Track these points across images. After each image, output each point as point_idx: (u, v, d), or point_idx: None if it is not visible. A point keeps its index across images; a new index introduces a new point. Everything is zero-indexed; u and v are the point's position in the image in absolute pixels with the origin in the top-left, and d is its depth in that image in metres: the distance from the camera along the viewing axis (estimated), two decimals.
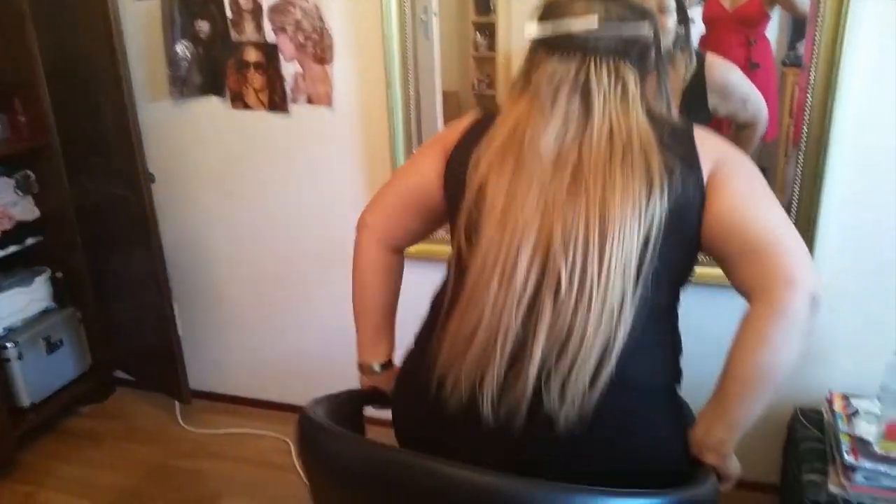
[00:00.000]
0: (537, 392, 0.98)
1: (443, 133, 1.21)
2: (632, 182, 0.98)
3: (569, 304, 0.97)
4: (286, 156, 2.13)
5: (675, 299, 1.11)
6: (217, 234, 2.33)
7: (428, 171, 1.18)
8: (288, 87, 2.03)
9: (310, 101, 2.03)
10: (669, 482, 0.98)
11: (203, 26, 2.05)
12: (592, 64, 1.02)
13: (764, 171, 1.67)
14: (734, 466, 1.09)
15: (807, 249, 1.03)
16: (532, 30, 1.07)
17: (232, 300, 2.41)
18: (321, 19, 1.92)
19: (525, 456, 1.01)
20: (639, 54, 1.05)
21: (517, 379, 0.99)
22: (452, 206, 1.13)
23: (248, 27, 1.99)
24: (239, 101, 2.10)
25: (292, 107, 2.05)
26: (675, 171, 0.99)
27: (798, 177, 1.66)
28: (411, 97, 1.89)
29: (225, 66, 2.07)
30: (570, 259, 0.97)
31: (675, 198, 0.99)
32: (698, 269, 1.66)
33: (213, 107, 2.14)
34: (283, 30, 1.96)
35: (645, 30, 1.04)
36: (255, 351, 2.45)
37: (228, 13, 2.00)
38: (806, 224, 1.68)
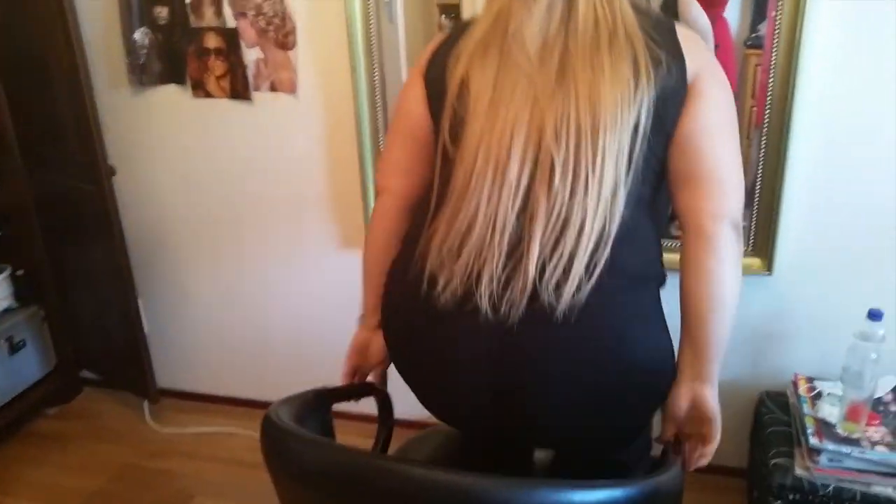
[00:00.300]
0: (535, 283, 0.97)
1: (417, 62, 1.18)
2: (620, 69, 0.97)
3: (564, 194, 0.96)
4: (250, 144, 2.07)
5: (658, 194, 1.09)
6: (181, 227, 2.27)
7: (415, 107, 1.15)
8: (250, 73, 1.97)
9: (273, 88, 1.97)
10: (653, 388, 1.06)
11: (161, 12, 1.99)
12: None
13: None
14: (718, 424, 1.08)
15: (742, 187, 1.06)
16: None
17: (198, 294, 2.35)
18: (283, 3, 1.86)
19: (521, 346, 1.00)
20: None
21: (515, 272, 0.98)
22: (436, 110, 1.10)
23: (208, 12, 1.93)
24: (200, 88, 2.04)
25: (255, 94, 2.00)
26: (662, 60, 0.99)
27: (761, 158, 1.64)
28: (376, 83, 1.84)
29: (185, 52, 2.01)
30: (563, 149, 0.96)
31: (662, 86, 0.99)
32: None
33: (173, 95, 2.08)
34: (244, 14, 1.91)
35: None
36: (224, 347, 2.39)
37: None
38: (769, 206, 1.66)
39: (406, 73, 1.85)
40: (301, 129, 2.00)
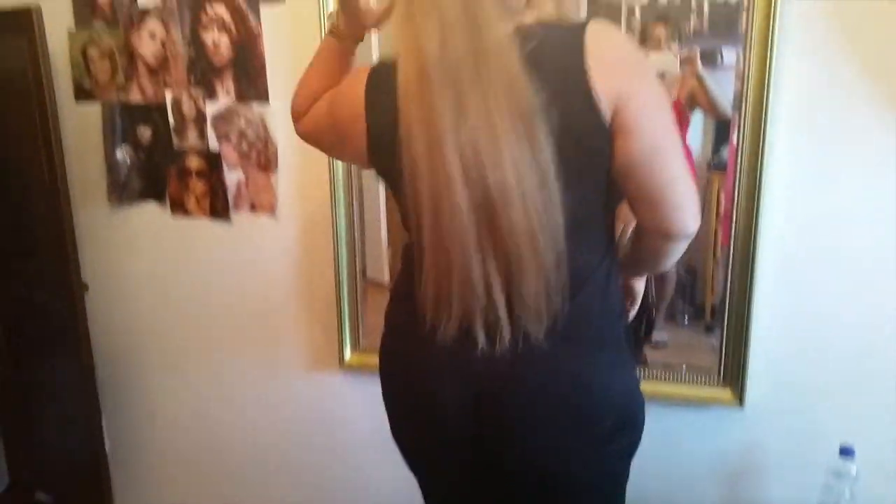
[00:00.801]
0: (511, 312, 1.03)
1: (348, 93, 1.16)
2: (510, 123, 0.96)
3: (508, 224, 0.97)
4: (226, 264, 2.05)
5: (602, 192, 1.07)
6: (150, 345, 2.21)
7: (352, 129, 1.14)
8: (230, 194, 1.97)
9: (252, 208, 1.97)
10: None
11: (145, 132, 2.01)
12: None
13: (693, 272, 1.69)
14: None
15: (695, 196, 1.07)
16: None
17: (164, 414, 2.26)
18: (266, 128, 1.89)
19: (514, 371, 1.08)
20: None
21: (493, 306, 1.03)
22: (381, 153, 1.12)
23: (191, 135, 1.95)
24: (179, 207, 2.03)
25: (234, 214, 1.99)
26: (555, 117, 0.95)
27: (729, 281, 1.62)
28: (355, 207, 1.85)
29: (166, 172, 2.02)
30: (490, 181, 0.96)
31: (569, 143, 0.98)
32: (665, 387, 1.61)
33: (151, 213, 2.07)
34: (227, 138, 1.92)
35: None
36: (189, 468, 2.29)
37: (171, 120, 1.96)
38: (738, 332, 1.63)
39: (384, 197, 1.86)
40: (279, 250, 1.99)
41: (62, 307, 2.07)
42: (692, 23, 1.56)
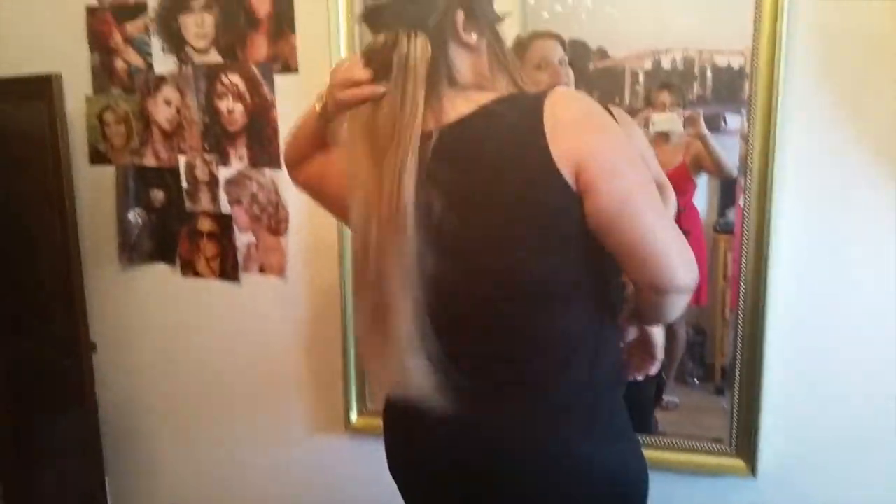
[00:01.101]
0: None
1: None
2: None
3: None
4: (234, 325, 2.06)
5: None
6: (156, 404, 2.21)
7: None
8: (240, 256, 2.00)
9: (262, 270, 1.99)
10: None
11: (158, 195, 2.04)
12: (404, 38, 1.01)
13: (703, 332, 1.69)
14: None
15: (682, 249, 1.01)
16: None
17: (168, 474, 2.25)
18: (277, 193, 1.92)
19: (494, 442, 1.08)
20: (440, 17, 1.02)
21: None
22: None
23: (204, 198, 1.99)
24: (189, 268, 2.06)
25: (244, 276, 2.01)
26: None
27: (739, 343, 1.61)
28: None
29: (177, 234, 2.04)
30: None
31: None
32: (675, 456, 1.60)
33: (161, 274, 2.10)
34: (239, 201, 1.96)
35: None
36: None
37: (184, 184, 1.99)
38: (749, 398, 1.61)
39: None
40: (287, 312, 2.00)
41: (70, 366, 2.08)
42: (695, 89, 1.60)
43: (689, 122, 1.61)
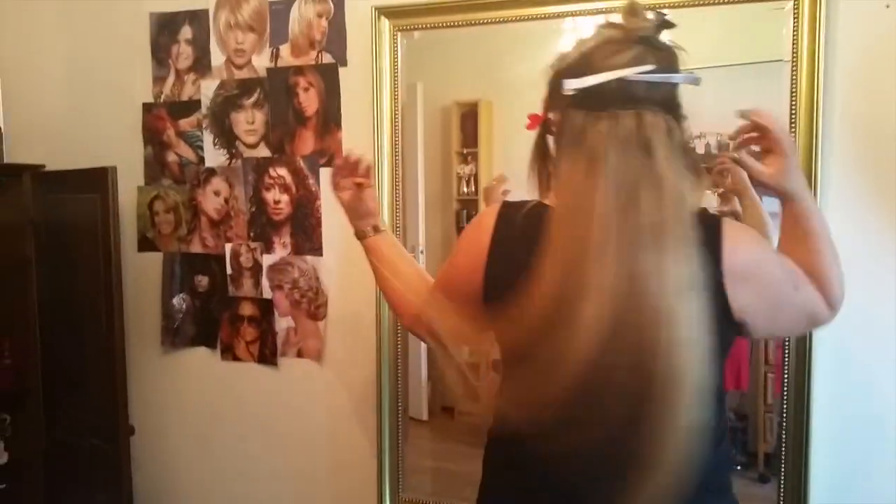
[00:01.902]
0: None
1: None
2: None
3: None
4: (271, 410, 2.09)
5: None
6: (191, 489, 2.22)
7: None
8: (279, 340, 2.04)
9: (300, 354, 2.04)
10: None
11: (202, 281, 2.11)
12: (649, 117, 0.95)
13: (745, 418, 1.69)
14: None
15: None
16: (573, 83, 0.98)
17: None
18: (318, 279, 1.98)
19: None
20: (678, 105, 1.00)
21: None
22: None
23: (247, 283, 2.06)
24: (229, 352, 2.11)
25: (281, 360, 2.05)
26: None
27: (784, 427, 1.61)
28: (399, 358, 1.90)
29: (219, 318, 2.10)
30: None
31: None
32: None
33: (201, 358, 2.15)
34: (280, 287, 2.02)
35: (693, 79, 1.00)
36: None
37: (229, 269, 2.07)
38: (796, 479, 1.60)
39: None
40: (323, 397, 2.03)
41: (106, 449, 2.10)
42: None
43: (724, 198, 1.62)
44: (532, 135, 1.10)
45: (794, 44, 1.54)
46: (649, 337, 0.93)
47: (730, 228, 1.01)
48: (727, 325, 1.01)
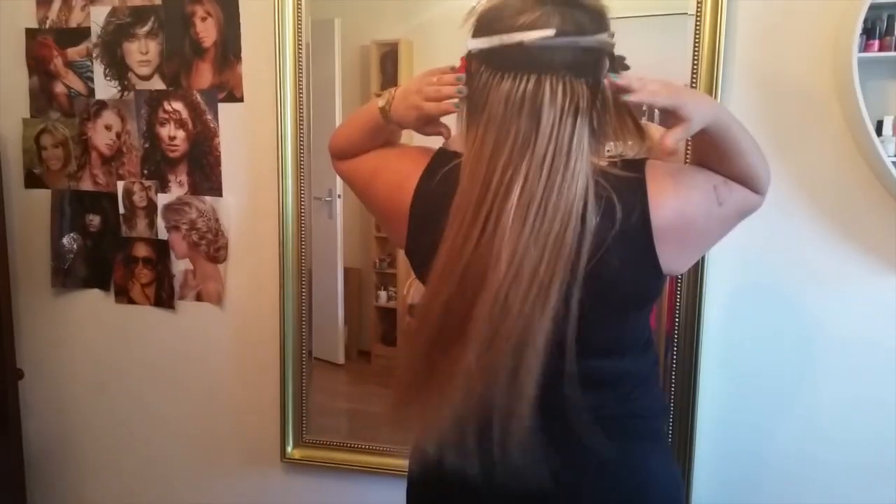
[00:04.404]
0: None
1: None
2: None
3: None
4: (169, 354, 2.03)
5: None
6: (87, 435, 2.15)
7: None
8: (177, 283, 1.98)
9: (199, 298, 1.98)
10: None
11: (94, 220, 2.01)
12: (548, 83, 0.92)
13: None
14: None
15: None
16: (475, 43, 0.96)
17: None
18: (217, 220, 1.92)
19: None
20: (594, 69, 0.95)
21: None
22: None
23: (141, 224, 1.97)
24: (123, 295, 2.02)
25: (179, 304, 1.99)
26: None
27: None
28: (304, 303, 1.87)
29: (112, 259, 2.01)
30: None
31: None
32: None
33: (94, 300, 2.06)
34: (177, 228, 1.94)
35: (605, 38, 0.95)
36: None
37: (121, 209, 1.97)
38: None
39: (342, 267, 1.94)
40: (223, 341, 1.98)
41: None
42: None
43: None
44: None
45: None
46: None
47: (653, 181, 1.00)
48: (656, 277, 1.02)
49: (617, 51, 0.99)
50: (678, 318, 1.64)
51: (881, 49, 1.49)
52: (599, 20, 0.95)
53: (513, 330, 0.92)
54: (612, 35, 0.97)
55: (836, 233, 1.58)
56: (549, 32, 0.91)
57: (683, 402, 1.67)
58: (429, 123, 1.08)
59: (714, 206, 1.03)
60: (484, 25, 0.96)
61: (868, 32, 1.47)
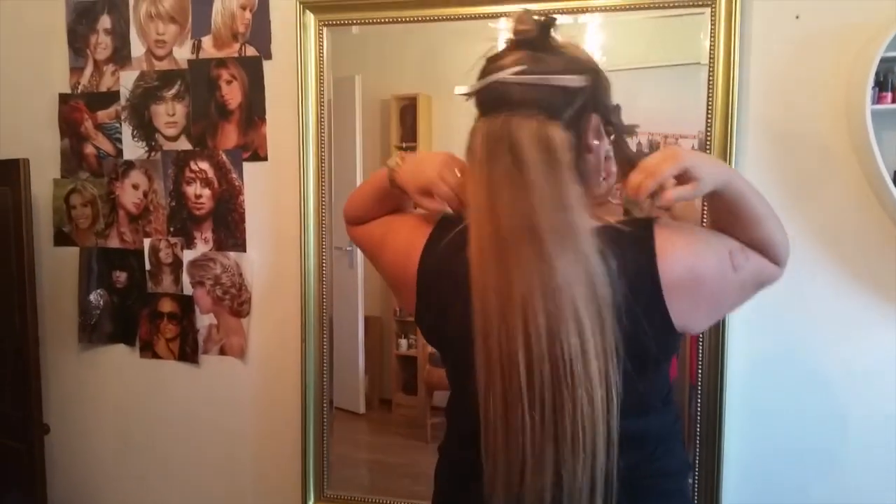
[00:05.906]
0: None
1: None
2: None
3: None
4: (192, 409, 2.05)
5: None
6: (110, 490, 2.16)
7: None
8: (201, 338, 2.00)
9: (222, 352, 2.00)
10: None
11: (120, 276, 2.06)
12: (518, 119, 0.95)
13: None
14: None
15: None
16: (459, 90, 1.03)
17: None
18: (241, 275, 1.95)
19: None
20: (570, 110, 0.97)
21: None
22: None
23: (166, 280, 2.01)
24: (148, 350, 2.05)
25: (203, 358, 2.01)
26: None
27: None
28: (325, 355, 1.88)
29: (138, 315, 2.05)
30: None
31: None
32: None
33: (120, 355, 2.09)
34: (202, 283, 1.98)
35: (577, 82, 0.97)
36: None
37: (147, 265, 2.01)
38: None
39: (362, 323, 1.97)
40: (246, 395, 2.00)
41: (20, 448, 2.03)
42: None
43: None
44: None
45: (711, 48, 1.58)
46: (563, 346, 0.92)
47: (662, 237, 1.00)
48: (669, 334, 1.01)
49: (630, 102, 1.01)
50: (701, 367, 1.63)
51: (894, 101, 1.51)
52: (573, 64, 0.99)
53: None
54: (590, 81, 0.99)
55: (860, 283, 1.58)
56: (519, 68, 0.96)
57: (708, 455, 1.65)
58: (426, 195, 1.11)
59: (728, 270, 1.03)
60: (481, 73, 1.03)
61: (880, 85, 1.50)
